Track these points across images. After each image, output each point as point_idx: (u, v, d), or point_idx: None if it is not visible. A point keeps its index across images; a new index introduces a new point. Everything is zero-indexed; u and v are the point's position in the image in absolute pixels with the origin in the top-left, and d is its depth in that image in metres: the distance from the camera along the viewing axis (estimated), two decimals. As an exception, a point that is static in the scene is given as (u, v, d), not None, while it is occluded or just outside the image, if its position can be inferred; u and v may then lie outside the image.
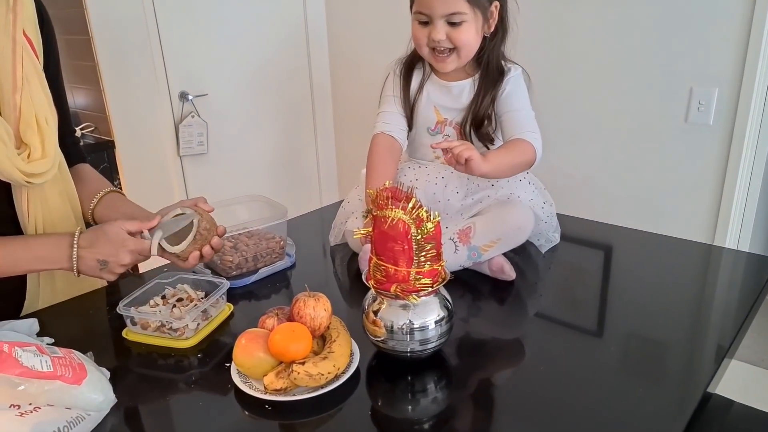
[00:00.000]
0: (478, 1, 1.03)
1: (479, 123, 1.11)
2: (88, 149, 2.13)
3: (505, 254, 1.05)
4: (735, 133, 1.77)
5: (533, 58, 2.03)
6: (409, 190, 0.77)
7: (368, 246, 0.83)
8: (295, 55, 2.63)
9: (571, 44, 1.98)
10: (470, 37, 1.05)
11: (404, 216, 0.71)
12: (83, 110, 2.28)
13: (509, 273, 1.01)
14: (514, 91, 1.11)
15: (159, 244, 0.89)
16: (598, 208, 2.06)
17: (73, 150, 1.03)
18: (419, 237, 0.72)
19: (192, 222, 0.91)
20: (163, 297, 0.91)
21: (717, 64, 1.74)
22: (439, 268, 0.76)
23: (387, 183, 0.78)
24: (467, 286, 1.03)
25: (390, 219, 0.72)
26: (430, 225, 0.72)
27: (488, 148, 1.15)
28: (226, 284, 0.91)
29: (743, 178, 1.81)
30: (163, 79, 2.23)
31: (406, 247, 0.72)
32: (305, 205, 2.91)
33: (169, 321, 0.83)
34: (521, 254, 1.13)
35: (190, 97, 2.31)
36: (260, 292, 1.04)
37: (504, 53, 1.13)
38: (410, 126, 1.18)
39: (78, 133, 2.20)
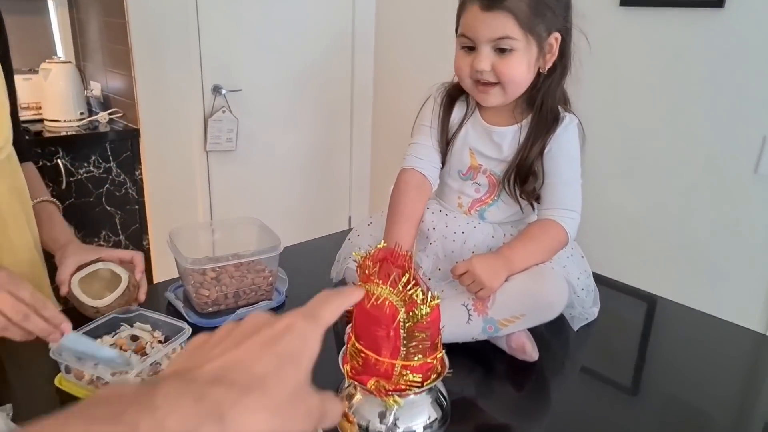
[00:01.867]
0: (533, 27, 0.84)
1: (525, 178, 0.92)
2: (113, 136, 2.06)
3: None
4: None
5: (592, 94, 1.85)
6: (408, 255, 0.61)
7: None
8: (338, 58, 2.50)
9: (635, 82, 1.78)
10: (520, 70, 0.86)
11: (392, 296, 0.55)
12: (114, 95, 2.21)
13: (531, 354, 0.83)
14: (562, 153, 0.92)
15: (75, 291, 0.81)
16: (651, 257, 1.84)
17: (18, 146, 0.91)
18: (409, 323, 0.56)
19: (120, 277, 0.84)
20: (115, 335, 0.78)
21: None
22: (434, 361, 0.60)
23: (381, 244, 0.62)
24: (479, 357, 0.86)
25: (374, 297, 0.56)
26: (425, 310, 0.56)
27: (533, 208, 0.98)
28: (187, 332, 0.77)
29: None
30: (197, 70, 2.14)
31: (392, 334, 0.56)
32: (332, 214, 2.80)
33: (104, 377, 0.70)
34: (549, 323, 0.95)
35: (224, 92, 2.20)
36: (236, 336, 0.90)
37: (564, 97, 0.95)
38: (443, 163, 1.01)
39: (105, 118, 2.14)
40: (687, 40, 1.66)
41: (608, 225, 1.92)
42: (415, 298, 0.56)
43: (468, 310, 0.84)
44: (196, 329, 0.87)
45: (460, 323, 0.83)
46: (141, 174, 2.14)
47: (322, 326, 0.38)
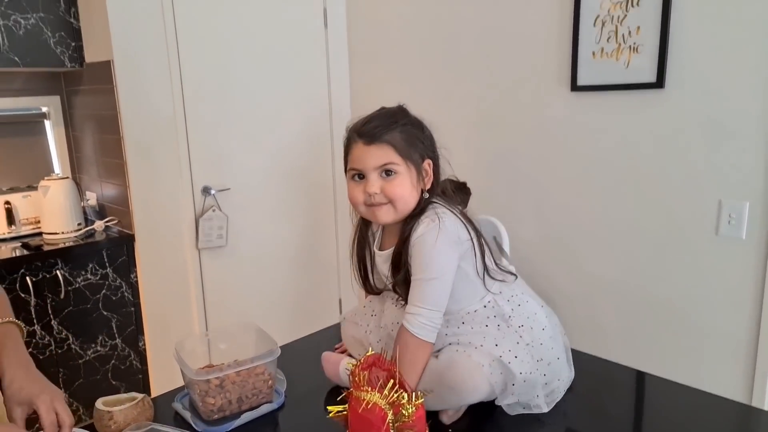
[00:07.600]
0: (410, 155, 1.03)
1: (396, 269, 1.07)
2: (109, 243, 2.16)
3: None
4: (772, 251, 1.65)
5: (556, 171, 2.00)
6: (393, 360, 0.70)
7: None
8: (318, 150, 2.67)
9: (595, 157, 1.93)
10: (405, 188, 1.03)
11: (380, 400, 0.64)
12: (109, 204, 2.33)
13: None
14: (415, 252, 1.02)
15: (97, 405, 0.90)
16: (627, 320, 1.93)
17: None
18: (398, 423, 0.65)
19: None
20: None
21: (747, 177, 1.65)
22: (423, 454, 0.68)
23: (370, 350, 0.72)
24: None
25: (365, 402, 0.65)
26: (410, 410, 0.65)
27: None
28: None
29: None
30: (187, 175, 2.28)
31: (383, 434, 0.65)
32: (323, 298, 2.88)
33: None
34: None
35: (213, 192, 2.34)
36: (242, 440, 0.96)
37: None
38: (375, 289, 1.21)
39: (102, 227, 2.24)
40: (635, 118, 1.82)
41: (587, 296, 2.02)
42: (401, 400, 0.65)
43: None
44: (204, 437, 0.94)
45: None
46: (136, 277, 2.22)
47: None
